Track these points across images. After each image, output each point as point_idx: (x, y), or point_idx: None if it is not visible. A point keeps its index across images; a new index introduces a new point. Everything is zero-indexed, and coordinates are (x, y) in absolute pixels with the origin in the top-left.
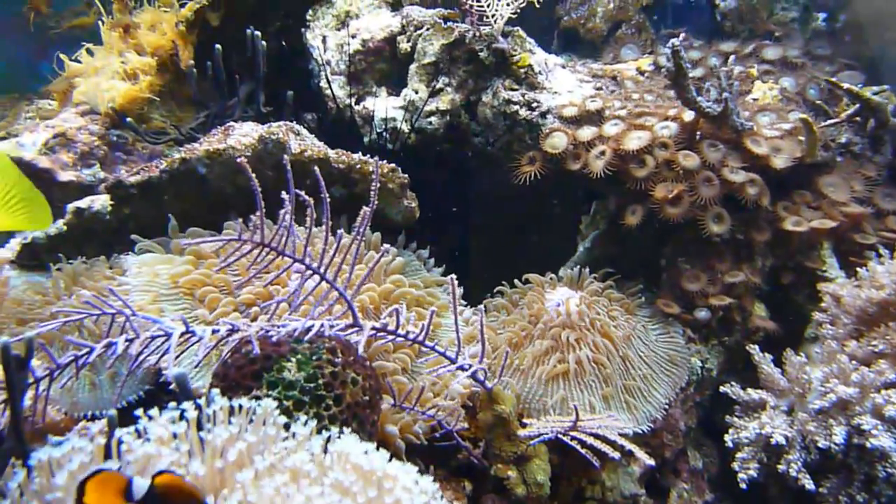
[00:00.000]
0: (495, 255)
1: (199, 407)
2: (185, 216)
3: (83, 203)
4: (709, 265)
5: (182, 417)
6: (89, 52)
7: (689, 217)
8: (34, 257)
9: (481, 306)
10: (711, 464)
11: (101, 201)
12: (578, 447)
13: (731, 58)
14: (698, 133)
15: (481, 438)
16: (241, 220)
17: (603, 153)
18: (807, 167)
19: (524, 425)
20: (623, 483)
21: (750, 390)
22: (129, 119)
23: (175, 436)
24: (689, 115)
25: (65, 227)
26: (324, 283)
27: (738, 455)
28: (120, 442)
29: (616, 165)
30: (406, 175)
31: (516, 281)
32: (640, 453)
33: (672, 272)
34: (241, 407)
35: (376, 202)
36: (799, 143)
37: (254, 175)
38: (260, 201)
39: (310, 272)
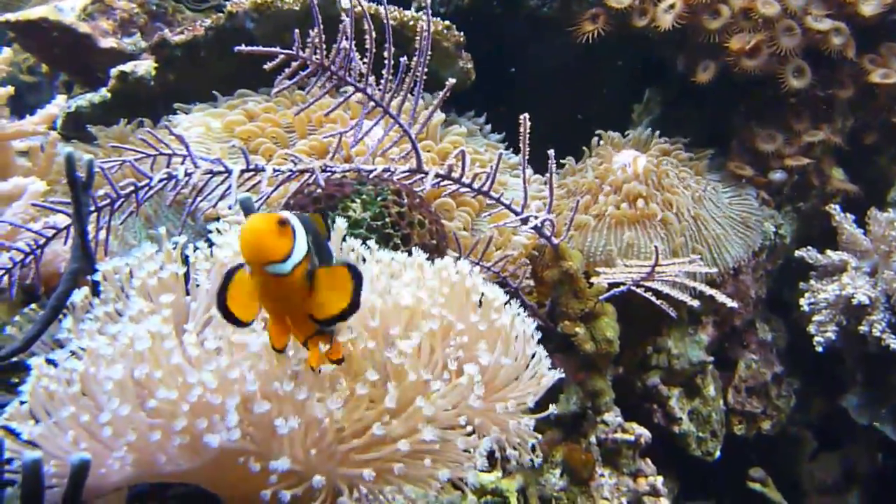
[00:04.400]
0: (549, 128)
1: None
2: (231, 80)
3: (127, 67)
4: (785, 125)
5: None
6: None
7: (767, 71)
8: (79, 128)
9: (551, 151)
10: (780, 338)
11: (145, 66)
12: (653, 298)
13: None
14: None
15: (545, 301)
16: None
17: (672, 6)
18: None
19: (597, 273)
20: (690, 350)
21: (829, 252)
22: None
23: None
24: None
25: (109, 95)
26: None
27: (816, 318)
28: (186, 259)
29: (687, 18)
30: (462, 32)
31: (584, 148)
32: (721, 296)
33: (744, 134)
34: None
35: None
36: None
37: (297, 31)
38: (317, 13)
39: (372, 104)
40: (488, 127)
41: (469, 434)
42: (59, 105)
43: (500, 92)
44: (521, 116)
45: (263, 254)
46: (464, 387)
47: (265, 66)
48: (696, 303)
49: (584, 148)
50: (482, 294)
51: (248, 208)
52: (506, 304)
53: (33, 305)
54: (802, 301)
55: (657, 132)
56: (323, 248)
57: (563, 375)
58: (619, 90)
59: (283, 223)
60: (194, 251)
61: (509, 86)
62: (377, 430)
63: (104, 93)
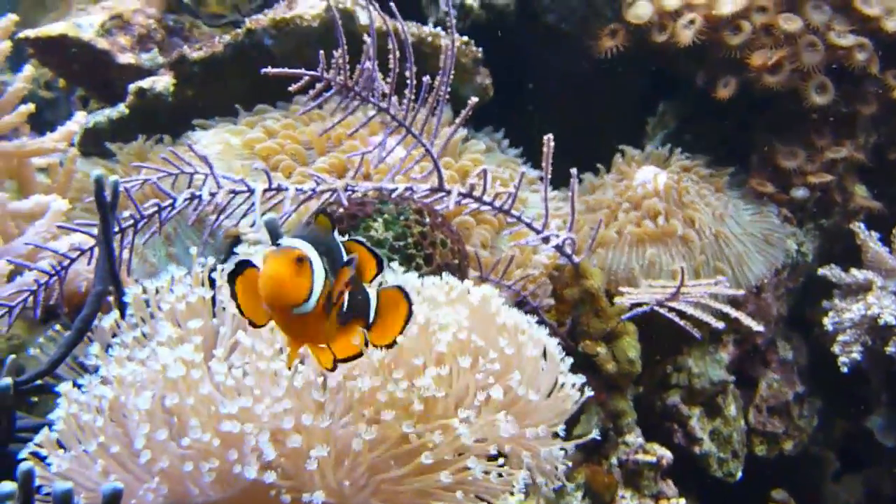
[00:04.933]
0: (564, 142)
1: None
2: (249, 96)
3: (145, 83)
4: (807, 141)
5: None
6: None
7: (789, 87)
8: (97, 144)
9: (573, 169)
10: (801, 356)
11: (163, 82)
12: (677, 318)
13: None
14: None
15: (565, 320)
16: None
17: (692, 22)
18: None
19: (620, 293)
20: (711, 370)
21: (854, 271)
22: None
23: None
24: None
25: (127, 111)
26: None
27: (840, 338)
28: (213, 280)
29: (707, 34)
30: (480, 48)
31: (599, 165)
32: (746, 319)
33: (765, 151)
34: None
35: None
36: None
37: (322, 52)
38: (341, 35)
39: (395, 124)
40: (506, 142)
41: (501, 465)
42: (78, 122)
43: (517, 106)
44: (545, 137)
45: (287, 300)
46: (495, 416)
47: (290, 88)
48: (721, 324)
49: (599, 165)
50: (506, 319)
51: (273, 230)
52: (532, 327)
53: (57, 326)
54: (826, 320)
55: (678, 149)
56: (335, 256)
57: (591, 394)
58: (632, 104)
59: (301, 260)
60: (220, 273)
61: (525, 100)
62: (425, 461)
63: (122, 108)
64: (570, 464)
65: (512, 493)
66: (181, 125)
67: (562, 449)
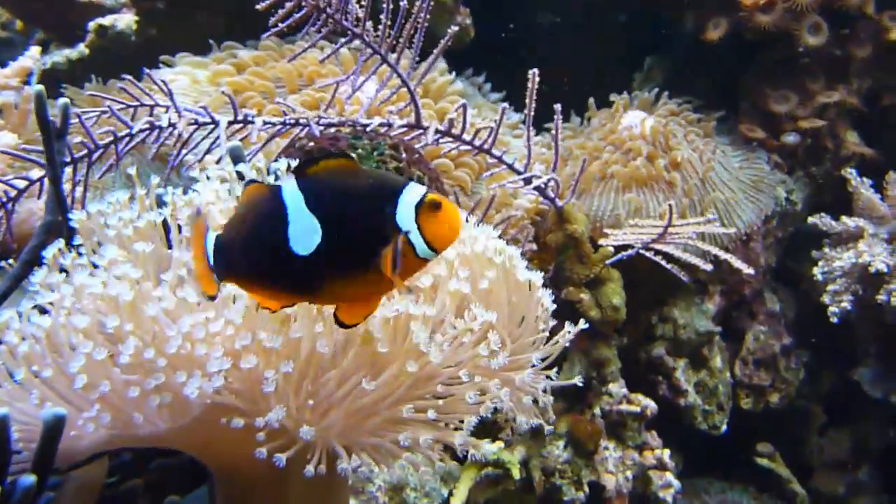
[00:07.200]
0: (546, 90)
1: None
2: (218, 37)
3: (106, 20)
4: (799, 85)
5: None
6: None
7: (781, 27)
8: (55, 86)
9: (557, 106)
10: (788, 309)
11: (125, 20)
12: (664, 262)
13: None
14: None
15: (548, 268)
16: None
17: None
18: None
19: (605, 235)
20: (696, 320)
21: (845, 219)
22: None
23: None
24: None
25: (87, 51)
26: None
27: (830, 288)
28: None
29: None
30: None
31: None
32: (736, 262)
33: (756, 95)
34: None
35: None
36: None
37: None
38: None
39: (369, 51)
40: (488, 86)
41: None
42: (33, 57)
43: (500, 51)
44: (530, 72)
45: None
46: (468, 341)
47: (258, 7)
48: (709, 266)
49: (576, 115)
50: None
51: (237, 157)
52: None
53: (11, 260)
54: (815, 270)
55: (665, 92)
56: None
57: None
58: (619, 57)
59: None
60: (172, 196)
61: (507, 44)
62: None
63: (82, 48)
64: (551, 398)
65: (494, 413)
66: (145, 66)
67: (546, 378)
